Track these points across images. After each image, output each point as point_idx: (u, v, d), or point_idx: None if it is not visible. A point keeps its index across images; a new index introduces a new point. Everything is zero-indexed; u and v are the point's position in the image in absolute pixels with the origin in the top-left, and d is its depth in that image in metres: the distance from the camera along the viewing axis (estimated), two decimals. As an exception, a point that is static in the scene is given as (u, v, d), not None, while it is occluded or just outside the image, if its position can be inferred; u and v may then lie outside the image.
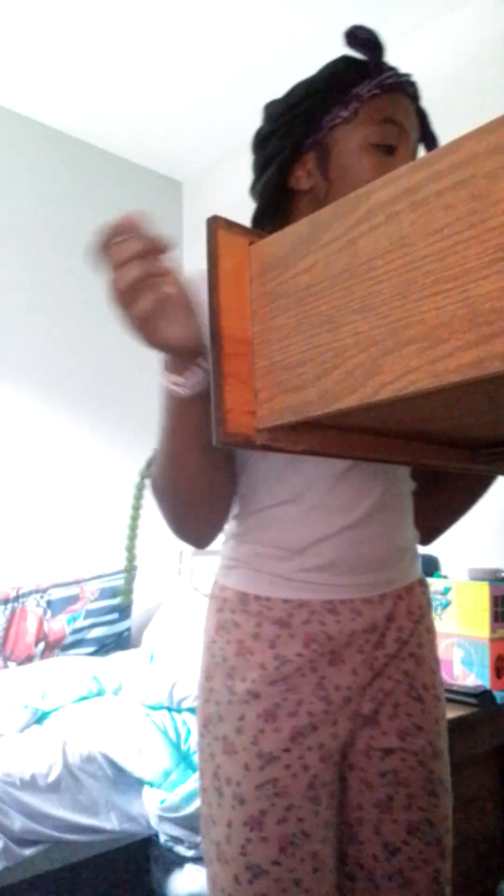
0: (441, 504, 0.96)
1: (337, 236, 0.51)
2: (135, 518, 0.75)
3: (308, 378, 0.53)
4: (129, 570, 0.75)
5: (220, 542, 0.90)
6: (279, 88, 0.88)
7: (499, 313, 0.40)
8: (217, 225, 0.59)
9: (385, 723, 0.82)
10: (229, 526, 0.87)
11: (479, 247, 0.41)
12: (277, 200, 0.88)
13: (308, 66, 0.89)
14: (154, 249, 0.60)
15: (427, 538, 0.98)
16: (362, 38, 0.83)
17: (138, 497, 0.74)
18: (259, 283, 0.58)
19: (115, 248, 0.60)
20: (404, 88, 0.84)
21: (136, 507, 0.74)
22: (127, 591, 0.76)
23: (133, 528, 0.75)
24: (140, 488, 0.73)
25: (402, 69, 0.85)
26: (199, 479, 0.77)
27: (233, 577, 0.84)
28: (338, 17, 2.13)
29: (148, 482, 0.78)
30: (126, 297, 0.60)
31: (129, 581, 0.75)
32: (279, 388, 0.56)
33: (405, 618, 0.85)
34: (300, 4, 2.14)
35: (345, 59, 0.84)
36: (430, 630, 0.89)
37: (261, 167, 0.89)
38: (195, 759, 1.73)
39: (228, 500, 0.84)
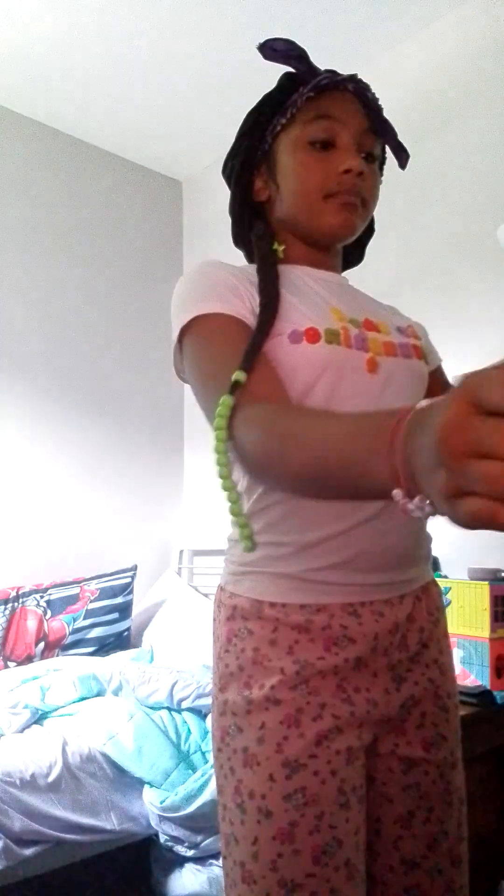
0: None
1: None
2: (228, 489, 0.74)
3: None
4: (245, 536, 0.78)
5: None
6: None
7: None
8: None
9: (411, 731, 0.81)
10: (234, 529, 0.84)
11: None
12: (249, 216, 0.93)
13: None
14: None
15: None
16: (280, 50, 0.85)
17: (224, 468, 0.71)
18: None
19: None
20: (344, 87, 0.86)
21: (229, 490, 0.73)
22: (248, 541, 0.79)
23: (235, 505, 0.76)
24: (223, 461, 0.70)
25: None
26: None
27: (244, 584, 0.81)
28: (338, 18, 2.13)
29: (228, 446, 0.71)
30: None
31: (247, 535, 0.78)
32: None
33: (425, 619, 0.83)
34: (301, 5, 2.14)
35: (286, 75, 0.88)
36: (446, 634, 0.87)
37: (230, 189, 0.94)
38: (195, 759, 1.73)
39: None
